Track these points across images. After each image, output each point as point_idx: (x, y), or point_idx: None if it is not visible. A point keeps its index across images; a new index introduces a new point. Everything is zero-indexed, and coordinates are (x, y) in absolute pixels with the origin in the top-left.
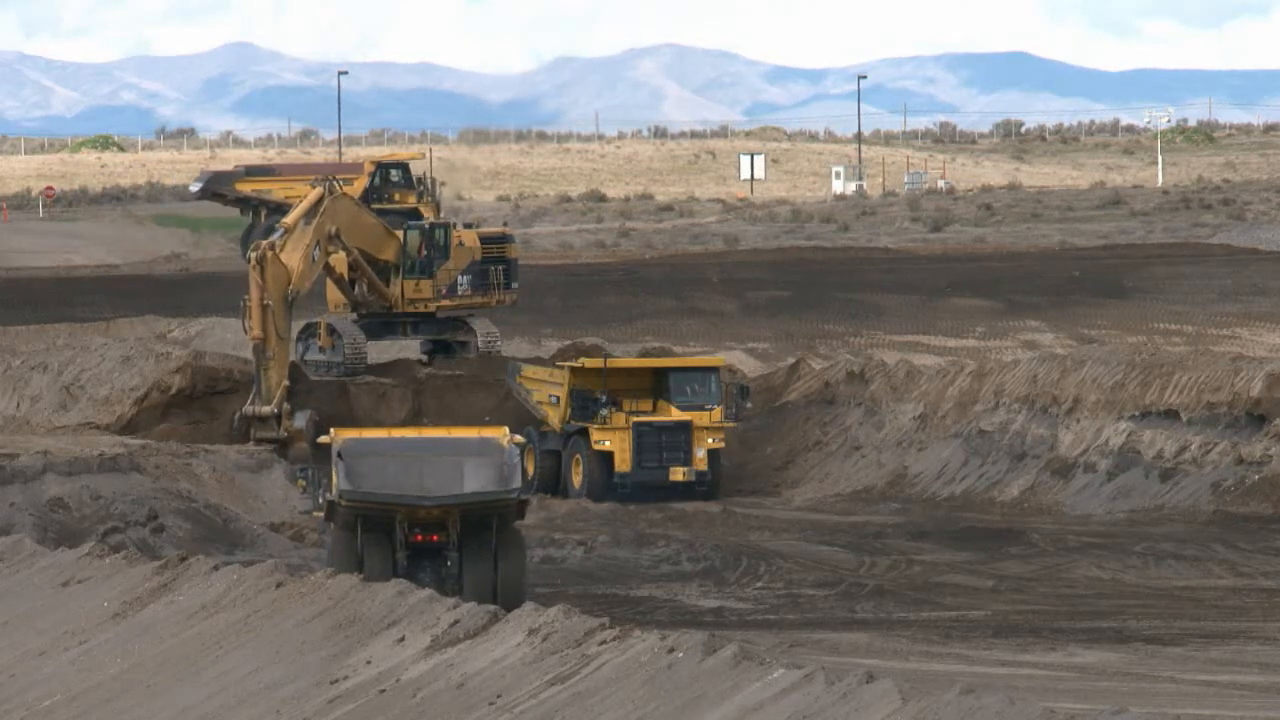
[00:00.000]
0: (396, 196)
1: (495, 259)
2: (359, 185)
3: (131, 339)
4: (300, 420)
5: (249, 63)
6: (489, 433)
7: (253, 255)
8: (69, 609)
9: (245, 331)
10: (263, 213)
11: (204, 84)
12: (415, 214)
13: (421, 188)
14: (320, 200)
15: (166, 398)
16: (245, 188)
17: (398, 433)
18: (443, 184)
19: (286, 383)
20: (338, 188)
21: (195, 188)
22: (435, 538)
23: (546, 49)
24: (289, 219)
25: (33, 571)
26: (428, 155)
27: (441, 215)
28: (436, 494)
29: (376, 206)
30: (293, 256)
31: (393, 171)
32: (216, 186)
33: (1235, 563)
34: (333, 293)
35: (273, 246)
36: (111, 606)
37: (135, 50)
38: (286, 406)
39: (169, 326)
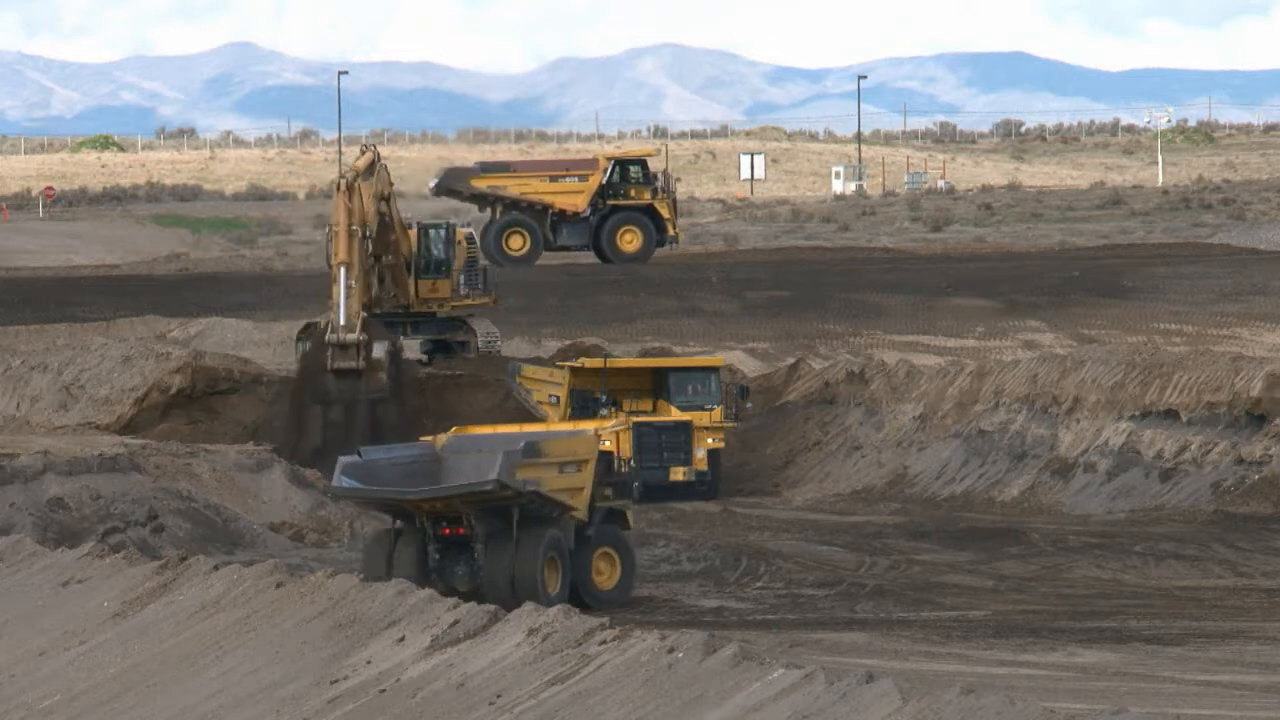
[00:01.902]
0: (632, 193)
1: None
2: (594, 181)
3: (131, 339)
4: (379, 350)
5: (249, 63)
6: (580, 426)
7: (341, 181)
8: (69, 609)
9: (328, 259)
10: (498, 208)
11: (204, 84)
12: (651, 210)
13: (657, 184)
14: (374, 162)
15: (166, 398)
16: (480, 184)
17: (502, 428)
18: (677, 179)
19: (364, 314)
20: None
21: (431, 185)
22: (460, 531)
23: (547, 49)
24: (360, 163)
25: (33, 571)
26: (663, 151)
27: (676, 211)
28: (419, 489)
29: (612, 202)
30: (366, 197)
31: (631, 168)
32: (451, 183)
33: (1235, 563)
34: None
35: (358, 176)
36: (111, 606)
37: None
38: (364, 337)
39: (169, 326)
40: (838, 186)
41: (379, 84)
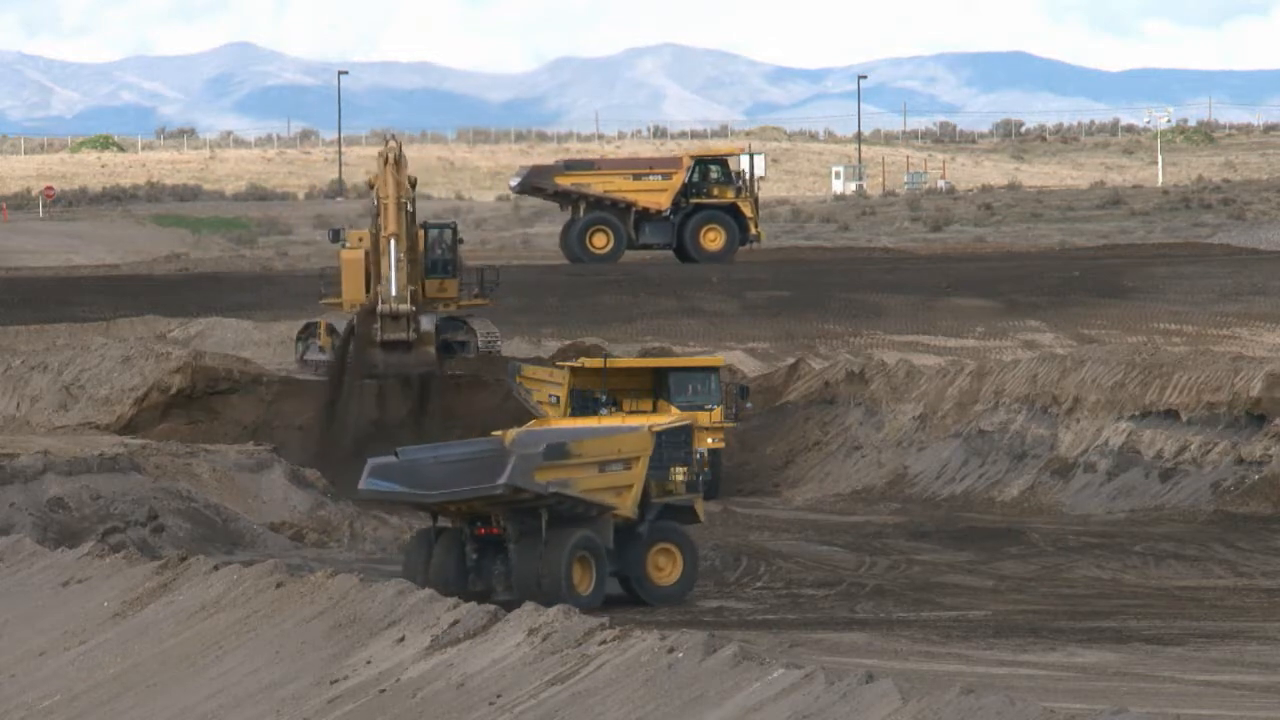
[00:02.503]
0: (715, 191)
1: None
2: (677, 180)
3: (131, 339)
4: (428, 323)
5: (249, 63)
6: (634, 422)
7: (389, 154)
8: (69, 609)
9: (374, 234)
10: (581, 206)
11: (204, 84)
12: (733, 209)
13: (740, 183)
14: (399, 154)
15: (166, 398)
16: (564, 182)
17: (567, 423)
18: (761, 178)
19: (412, 286)
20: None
21: (514, 183)
22: (495, 531)
23: (547, 49)
24: (395, 143)
25: (33, 571)
26: (748, 149)
27: (758, 211)
28: (436, 490)
29: (695, 201)
30: (403, 176)
31: (712, 167)
32: (536, 181)
33: (1235, 563)
34: (350, 289)
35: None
36: (111, 606)
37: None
38: (414, 308)
39: (169, 326)
40: (838, 186)
41: (379, 84)
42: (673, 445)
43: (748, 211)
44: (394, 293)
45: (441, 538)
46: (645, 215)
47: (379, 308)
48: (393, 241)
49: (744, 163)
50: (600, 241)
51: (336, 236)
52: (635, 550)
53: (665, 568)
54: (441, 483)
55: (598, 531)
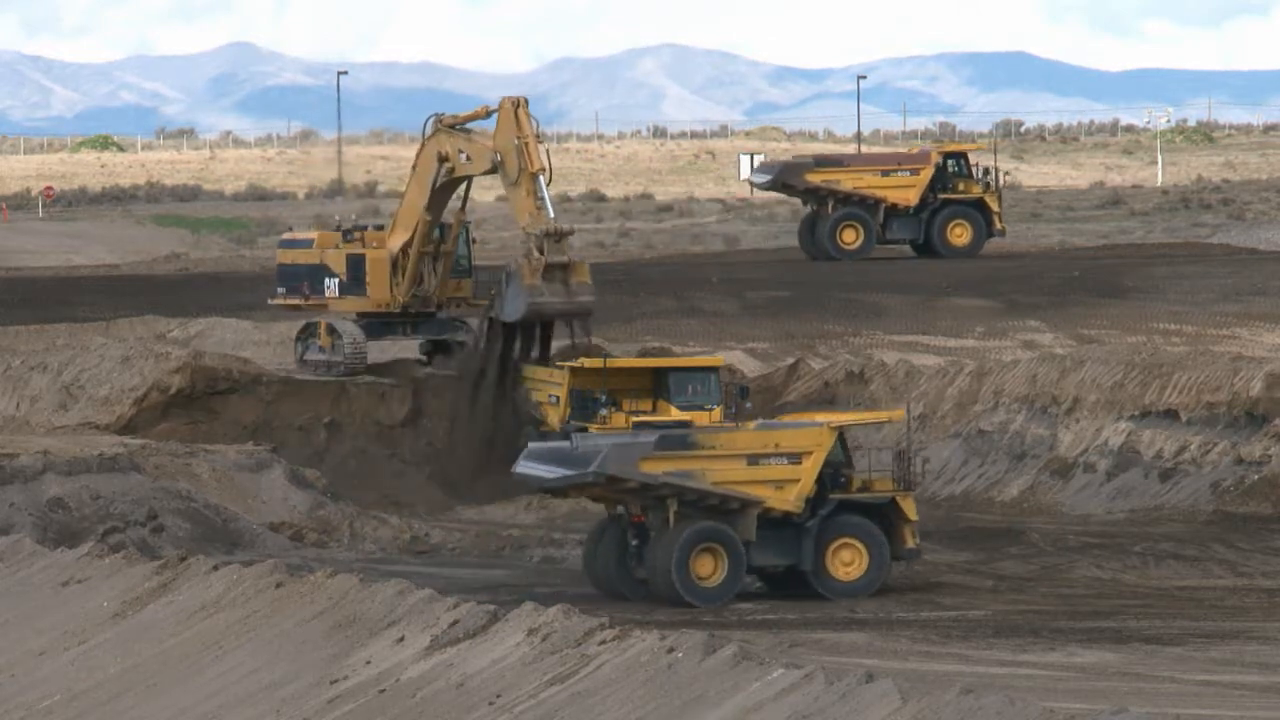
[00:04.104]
0: (961, 186)
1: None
2: (925, 175)
3: (131, 339)
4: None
5: (249, 63)
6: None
7: (520, 101)
8: (69, 609)
9: (513, 173)
10: (829, 203)
11: (204, 84)
12: (980, 205)
13: (988, 178)
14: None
15: (166, 398)
16: (815, 178)
17: (812, 416)
18: (1006, 174)
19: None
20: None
21: (761, 179)
22: (641, 519)
23: (547, 49)
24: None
25: (33, 571)
26: (992, 146)
27: (1001, 207)
28: (552, 476)
29: (943, 196)
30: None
31: (955, 162)
32: (787, 178)
33: (1235, 563)
34: (377, 288)
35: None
36: (111, 606)
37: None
38: (572, 229)
39: (169, 326)
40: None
41: (379, 84)
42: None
43: (994, 206)
44: (552, 214)
45: (611, 525)
46: (893, 211)
47: (541, 229)
48: (540, 176)
49: (984, 158)
50: (850, 237)
51: (348, 235)
52: (804, 543)
53: (852, 562)
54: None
55: (735, 524)
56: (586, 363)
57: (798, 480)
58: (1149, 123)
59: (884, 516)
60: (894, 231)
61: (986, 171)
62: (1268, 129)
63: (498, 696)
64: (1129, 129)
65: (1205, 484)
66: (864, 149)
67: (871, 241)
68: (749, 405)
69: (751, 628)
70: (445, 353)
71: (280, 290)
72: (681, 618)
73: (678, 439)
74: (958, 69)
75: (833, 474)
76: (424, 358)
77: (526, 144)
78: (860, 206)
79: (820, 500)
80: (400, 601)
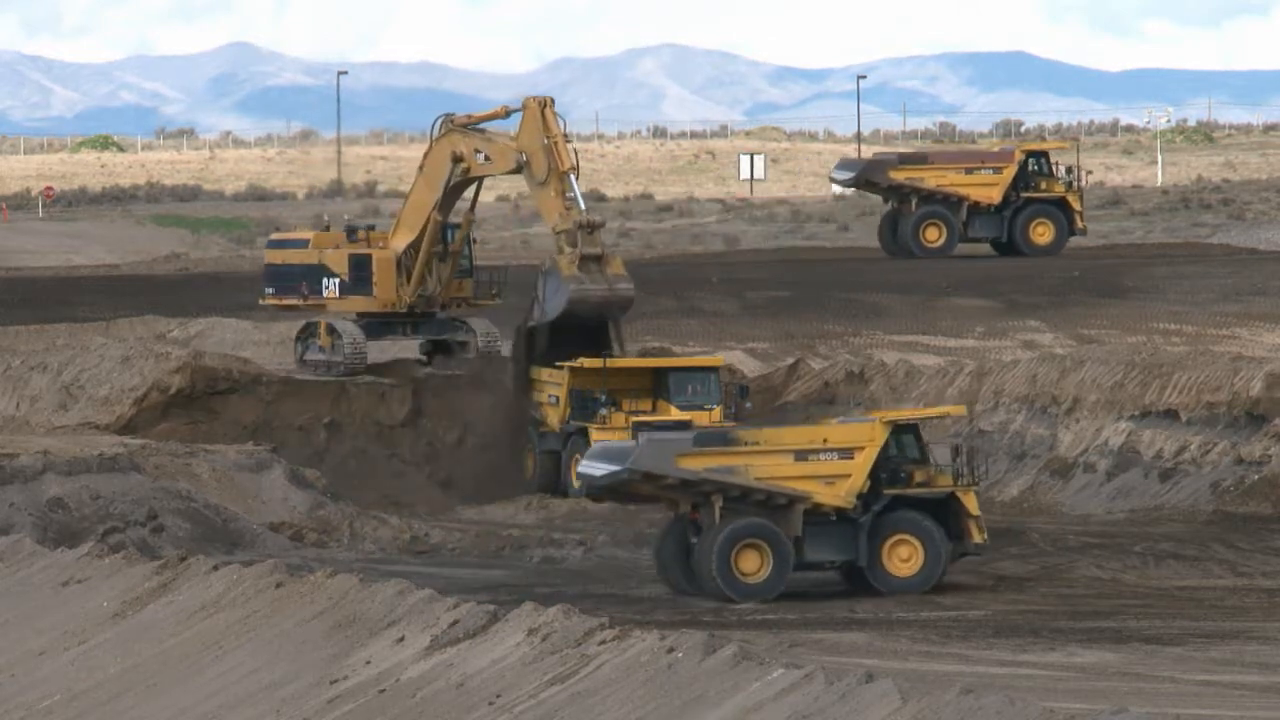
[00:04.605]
0: (1044, 185)
1: None
2: (1008, 174)
3: (131, 339)
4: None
5: (249, 63)
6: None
7: (546, 101)
8: (69, 609)
9: (542, 172)
10: (912, 201)
11: (205, 84)
12: (1062, 203)
13: (1070, 177)
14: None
15: (166, 398)
16: (899, 176)
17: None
18: (1089, 172)
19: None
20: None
21: (843, 176)
22: (697, 516)
23: (547, 49)
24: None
25: (33, 571)
26: (1076, 143)
27: (1083, 205)
28: (600, 474)
29: (1025, 195)
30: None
31: (1037, 160)
32: (870, 175)
33: (1235, 563)
34: (383, 288)
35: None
36: (111, 606)
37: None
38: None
39: (169, 326)
40: (837, 187)
41: (379, 84)
42: (911, 440)
43: (1076, 205)
44: (584, 207)
45: (676, 524)
46: (976, 209)
47: (577, 221)
48: (572, 175)
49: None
50: (933, 235)
51: (353, 234)
52: (857, 538)
53: (909, 557)
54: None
55: (780, 520)
56: (586, 363)
57: (849, 476)
58: (1149, 123)
59: (945, 512)
60: (976, 230)
61: (1069, 170)
62: (1268, 129)
63: (498, 696)
64: (1129, 129)
65: (1205, 484)
66: (863, 149)
67: (954, 240)
68: (749, 405)
69: (751, 628)
70: (445, 353)
71: (269, 290)
72: (681, 618)
73: (718, 435)
74: (958, 69)
75: (891, 469)
76: (424, 358)
77: (556, 143)
78: (943, 204)
79: (875, 496)
80: (400, 601)
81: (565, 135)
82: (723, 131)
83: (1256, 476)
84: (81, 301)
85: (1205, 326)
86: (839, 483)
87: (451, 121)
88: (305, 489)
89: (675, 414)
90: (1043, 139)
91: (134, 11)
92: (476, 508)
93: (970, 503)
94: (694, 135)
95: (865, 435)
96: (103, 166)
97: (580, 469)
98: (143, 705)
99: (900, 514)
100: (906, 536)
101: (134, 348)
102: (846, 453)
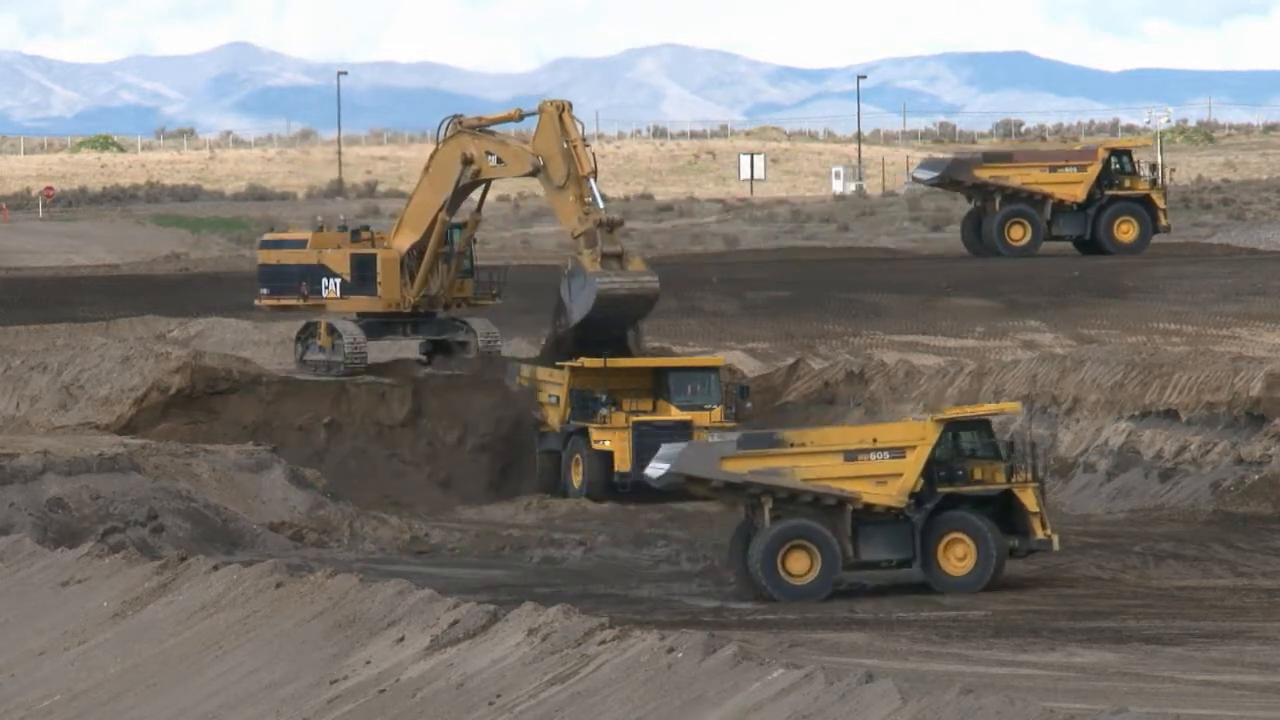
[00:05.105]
0: (1128, 183)
1: None
2: (1092, 171)
3: (131, 339)
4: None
5: (249, 63)
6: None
7: (563, 106)
8: (69, 609)
9: (562, 176)
10: (996, 199)
11: (205, 84)
12: (1145, 201)
13: (1154, 174)
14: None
15: (166, 398)
16: (983, 174)
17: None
18: (1172, 170)
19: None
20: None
21: (927, 175)
22: (755, 518)
23: (547, 49)
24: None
25: (33, 571)
26: (1157, 142)
27: (1167, 203)
28: (657, 479)
29: (1109, 192)
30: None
31: (1120, 158)
32: (955, 174)
33: (1235, 563)
34: (388, 287)
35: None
36: (111, 606)
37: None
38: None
39: (169, 326)
40: (837, 187)
41: (379, 84)
42: (974, 437)
43: (1160, 202)
44: (602, 206)
45: (744, 526)
46: (1060, 207)
47: (597, 220)
48: (592, 179)
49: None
50: (1018, 234)
51: (356, 235)
52: (916, 539)
53: (964, 556)
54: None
55: (831, 521)
56: (586, 363)
57: (900, 475)
58: (1149, 123)
59: (1005, 509)
60: (1060, 228)
61: (1152, 167)
62: (1268, 129)
63: (498, 696)
64: (1129, 129)
65: (1205, 484)
66: (863, 149)
67: (1039, 238)
68: (749, 405)
69: (751, 628)
70: (445, 353)
71: (264, 291)
72: (681, 618)
73: (763, 437)
74: (958, 69)
75: (948, 467)
76: (424, 358)
77: (576, 147)
78: (1028, 203)
79: (927, 494)
80: (400, 601)
81: (584, 139)
82: (723, 131)
83: (1256, 476)
84: (81, 301)
85: (1205, 326)
86: (890, 482)
87: (460, 123)
88: (305, 489)
89: (675, 414)
90: (1043, 139)
91: (134, 11)
92: (476, 508)
93: (1028, 499)
94: (694, 135)
95: (917, 434)
96: (103, 166)
97: (646, 470)
98: (143, 705)
99: (953, 512)
100: (960, 535)
101: (134, 348)
102: (898, 452)
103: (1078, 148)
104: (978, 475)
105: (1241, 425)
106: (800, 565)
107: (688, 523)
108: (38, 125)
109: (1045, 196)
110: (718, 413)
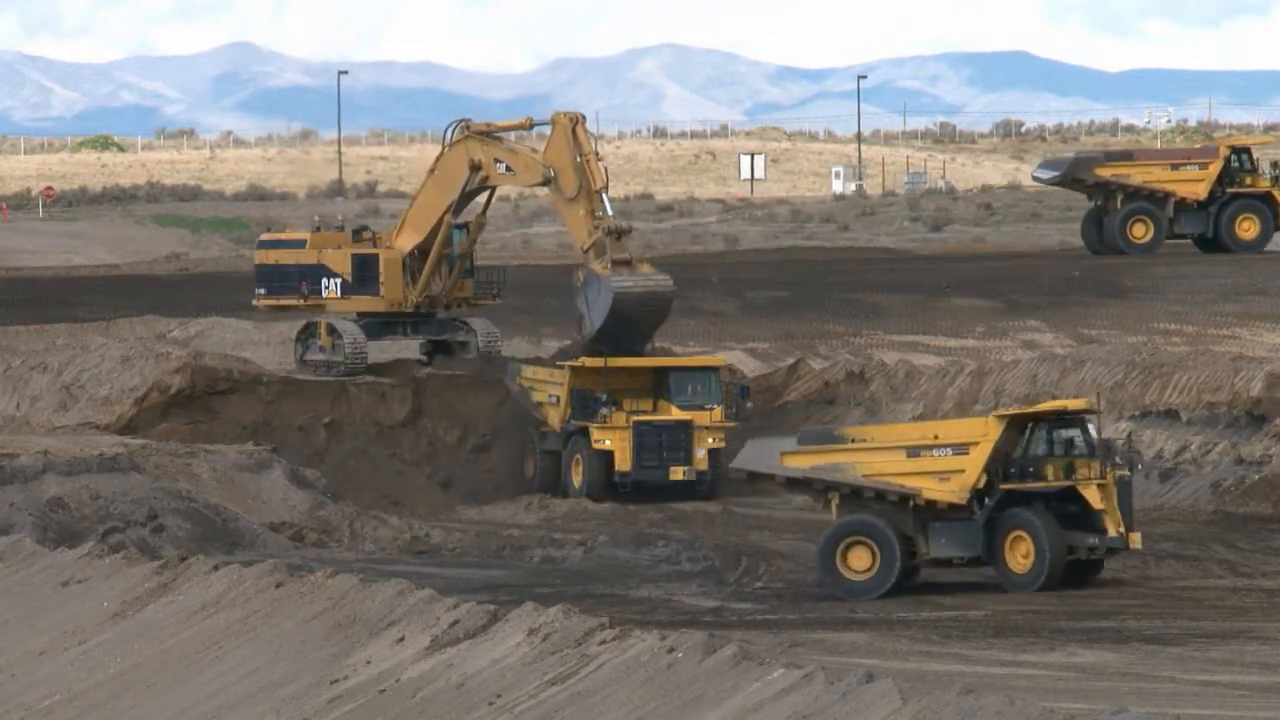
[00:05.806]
0: (1248, 181)
1: None
2: (1214, 169)
3: (131, 339)
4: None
5: (250, 63)
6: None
7: (578, 118)
8: (69, 609)
9: (572, 189)
10: (1118, 198)
11: (205, 84)
12: (1267, 199)
13: (1276, 172)
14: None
15: (166, 398)
16: (1105, 173)
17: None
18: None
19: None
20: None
21: (1048, 174)
22: None
23: (547, 49)
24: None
25: (33, 571)
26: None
27: None
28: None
29: (1231, 190)
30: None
31: (1241, 156)
32: (1076, 173)
33: (1235, 563)
34: (390, 288)
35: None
36: (111, 606)
37: (136, 50)
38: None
39: (169, 326)
40: (838, 187)
41: (379, 84)
42: (1044, 435)
43: None
44: (611, 213)
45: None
46: (1182, 205)
47: (608, 225)
48: (604, 194)
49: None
50: (1140, 232)
51: (356, 235)
52: (982, 537)
53: (1028, 555)
54: None
55: (889, 516)
56: (587, 362)
57: (963, 471)
58: (1149, 123)
59: (1074, 507)
60: (1182, 226)
61: (1274, 165)
62: (1268, 129)
63: (498, 696)
64: (1129, 129)
65: (1205, 484)
66: (863, 149)
67: (1161, 236)
68: (749, 405)
69: (751, 628)
70: (445, 353)
71: (261, 291)
72: (681, 618)
73: (823, 433)
74: (958, 69)
75: (1019, 464)
76: (424, 358)
77: (589, 161)
78: (1150, 201)
79: (989, 491)
80: (400, 601)
81: (597, 153)
82: (723, 131)
83: (1256, 476)
84: (81, 301)
85: (1205, 326)
86: (953, 478)
87: (468, 128)
88: (305, 489)
89: (676, 414)
90: (1043, 139)
91: (134, 11)
92: (477, 508)
93: (1092, 495)
94: (694, 135)
95: (979, 430)
96: (103, 166)
97: (734, 463)
98: (143, 705)
99: (1015, 510)
100: (1022, 533)
101: (134, 348)
102: (961, 448)
103: (1198, 145)
104: (1051, 473)
105: (1241, 425)
106: (861, 561)
107: (688, 523)
108: (38, 125)
109: (1167, 194)
110: (718, 413)
